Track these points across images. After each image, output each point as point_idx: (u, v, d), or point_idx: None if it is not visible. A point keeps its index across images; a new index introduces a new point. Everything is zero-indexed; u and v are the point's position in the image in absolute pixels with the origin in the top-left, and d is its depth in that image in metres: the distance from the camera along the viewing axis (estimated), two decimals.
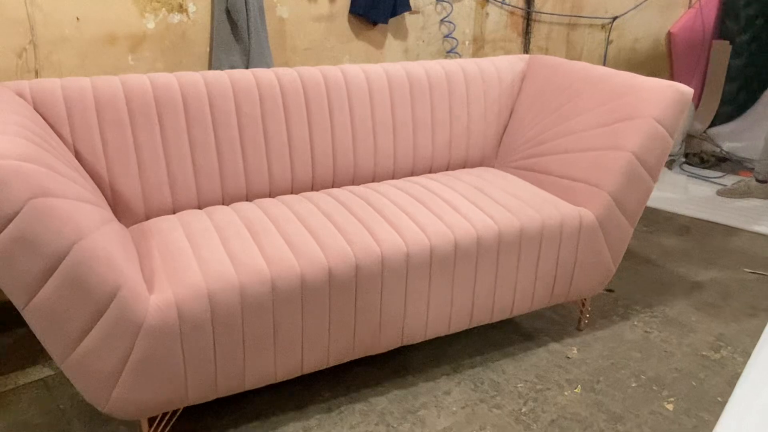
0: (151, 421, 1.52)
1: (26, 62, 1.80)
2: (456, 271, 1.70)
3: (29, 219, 1.22)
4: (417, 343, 1.98)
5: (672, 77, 3.95)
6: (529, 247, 1.79)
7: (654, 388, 1.81)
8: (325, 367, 1.64)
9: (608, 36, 3.71)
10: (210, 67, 2.15)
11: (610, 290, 2.35)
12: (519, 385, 1.82)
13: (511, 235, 1.74)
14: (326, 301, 1.55)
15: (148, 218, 1.78)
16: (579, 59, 3.57)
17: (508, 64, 2.30)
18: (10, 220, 1.20)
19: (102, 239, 1.33)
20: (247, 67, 2.14)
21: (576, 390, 1.81)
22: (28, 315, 1.28)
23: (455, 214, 1.76)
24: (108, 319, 1.31)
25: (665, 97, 1.83)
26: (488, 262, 1.74)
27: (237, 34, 2.11)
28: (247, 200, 1.90)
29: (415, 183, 1.98)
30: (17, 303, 1.28)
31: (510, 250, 1.75)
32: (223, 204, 1.88)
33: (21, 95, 1.63)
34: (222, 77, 1.85)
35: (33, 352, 1.88)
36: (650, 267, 2.54)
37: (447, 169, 2.23)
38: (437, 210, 1.77)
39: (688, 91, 1.84)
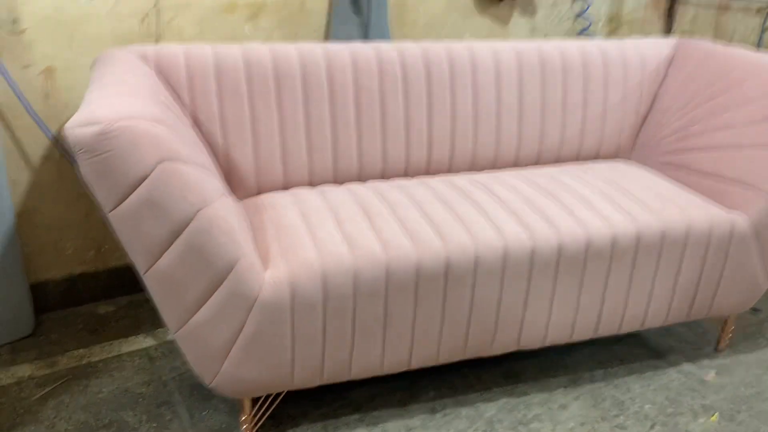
0: (253, 402, 1.61)
1: (148, 27, 1.94)
2: (586, 273, 1.69)
3: (158, 182, 1.32)
4: (531, 350, 1.98)
5: None
6: (671, 252, 1.74)
7: None
8: (433, 364, 1.67)
9: (764, 22, 3.51)
10: (326, 39, 2.23)
11: (756, 309, 2.25)
12: (646, 407, 1.78)
13: (652, 237, 1.71)
14: (441, 294, 1.58)
15: (259, 192, 1.87)
16: None
17: (654, 48, 2.24)
18: (140, 182, 1.31)
19: (223, 209, 1.42)
20: (365, 40, 2.20)
21: (712, 418, 1.75)
22: (149, 280, 1.40)
23: (588, 209, 1.74)
24: (224, 290, 1.41)
25: None
26: (623, 265, 1.71)
27: (356, 6, 2.18)
28: (359, 180, 1.97)
29: (542, 173, 1.97)
30: (140, 266, 1.39)
31: (649, 254, 1.72)
32: (334, 183, 1.95)
33: (144, 60, 1.76)
34: (342, 50, 1.91)
35: (135, 321, 2.03)
36: None
37: (576, 161, 2.20)
38: (567, 203, 1.76)
39: None
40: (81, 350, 1.89)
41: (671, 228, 1.72)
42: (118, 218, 1.33)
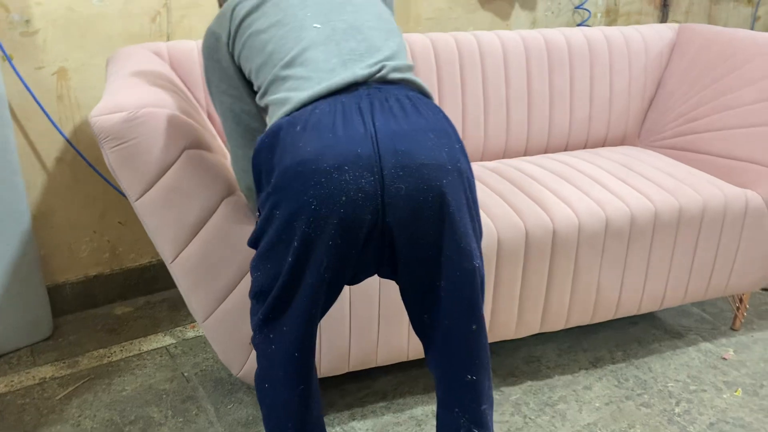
0: None
1: (159, 26, 1.96)
2: (605, 254, 1.71)
3: (184, 169, 1.34)
4: (549, 334, 2.00)
5: None
6: (688, 231, 1.76)
7: None
8: None
9: (755, 11, 3.58)
10: None
11: (766, 289, 2.28)
12: (669, 385, 1.80)
13: (669, 215, 1.73)
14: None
15: None
16: None
17: (656, 33, 2.28)
18: (167, 169, 1.32)
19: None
20: None
21: (736, 393, 1.77)
22: (176, 268, 1.41)
23: (604, 190, 1.77)
24: None
25: None
26: (641, 245, 1.73)
27: None
28: None
29: (554, 159, 2.00)
30: (166, 256, 1.40)
31: (666, 233, 1.74)
32: None
33: (159, 56, 1.78)
34: None
35: (154, 321, 2.03)
36: None
37: (585, 147, 2.23)
38: (583, 186, 1.78)
39: None
40: (101, 350, 1.89)
41: (687, 206, 1.75)
42: (144, 206, 1.34)
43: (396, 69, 1.13)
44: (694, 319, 2.10)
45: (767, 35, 2.05)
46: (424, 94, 1.16)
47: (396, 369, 1.83)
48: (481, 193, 1.74)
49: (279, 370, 1.16)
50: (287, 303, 1.10)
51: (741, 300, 2.02)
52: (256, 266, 1.14)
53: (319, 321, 1.15)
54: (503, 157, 2.13)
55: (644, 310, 1.84)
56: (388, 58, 1.13)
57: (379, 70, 1.10)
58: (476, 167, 1.94)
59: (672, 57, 2.28)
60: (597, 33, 2.19)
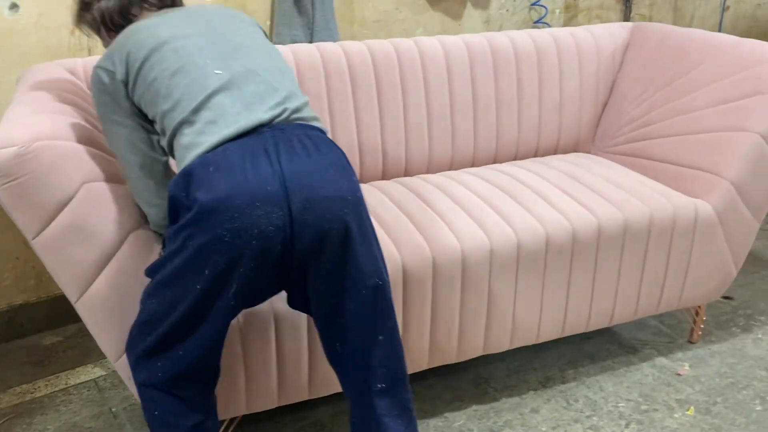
0: None
1: (79, 39, 1.87)
2: (547, 272, 1.65)
3: (83, 205, 1.26)
4: (499, 353, 1.93)
5: None
6: (635, 244, 1.71)
7: None
8: None
9: (724, 1, 3.52)
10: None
11: (728, 297, 2.23)
12: (620, 405, 1.74)
13: (614, 230, 1.67)
14: (398, 300, 1.53)
15: None
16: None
17: (608, 33, 2.21)
18: (63, 206, 1.24)
19: None
20: (310, 42, 2.14)
21: (688, 412, 1.71)
22: (81, 308, 1.32)
23: (546, 205, 1.70)
24: None
25: None
26: (585, 261, 1.67)
27: (300, 6, 2.12)
28: None
29: (499, 171, 1.93)
30: (70, 295, 1.32)
31: (611, 247, 1.68)
32: None
33: (73, 73, 1.69)
34: (284, 52, 1.85)
35: (84, 351, 1.95)
36: None
37: (535, 156, 2.16)
38: (525, 201, 1.72)
39: None
40: (24, 385, 1.81)
41: (633, 219, 1.69)
42: (41, 245, 1.26)
43: (296, 110, 1.23)
44: (652, 332, 2.05)
45: (720, 36, 1.99)
46: (321, 130, 1.26)
47: (335, 397, 1.75)
48: (421, 211, 1.67)
49: (170, 399, 1.20)
50: (188, 329, 1.17)
51: (697, 312, 1.96)
52: (151, 294, 1.20)
53: (221, 346, 1.22)
54: (450, 169, 2.05)
55: (593, 328, 1.79)
56: (286, 98, 1.23)
57: (281, 113, 1.20)
58: (418, 181, 1.86)
59: (625, 58, 2.21)
60: (545, 35, 2.12)
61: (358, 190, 1.20)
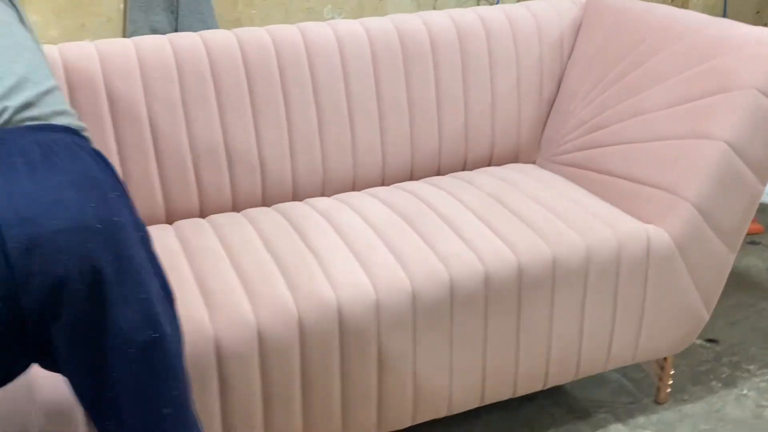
0: None
1: None
2: (455, 326, 1.55)
3: None
4: (417, 425, 1.83)
5: None
6: (568, 287, 1.61)
7: None
8: None
9: None
10: (125, 32, 2.06)
11: (711, 341, 2.13)
12: None
13: (539, 270, 1.58)
14: (297, 360, 1.46)
15: None
16: (686, 6, 3.32)
17: (555, 12, 2.11)
18: None
19: None
20: (175, 30, 2.04)
21: None
22: None
23: (457, 239, 1.61)
24: None
25: None
26: (504, 310, 1.58)
27: None
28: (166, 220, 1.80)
29: (409, 192, 1.83)
30: None
31: (536, 293, 1.59)
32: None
33: None
34: (127, 47, 1.74)
35: None
36: None
37: (464, 169, 2.06)
38: (430, 234, 1.62)
39: None
40: None
41: (565, 255, 1.60)
42: None
43: (25, 105, 1.08)
44: (611, 390, 1.96)
45: (689, 15, 1.91)
46: (69, 129, 1.11)
47: None
48: (293, 250, 1.56)
49: None
50: None
51: (662, 367, 1.86)
52: None
53: None
54: (352, 190, 1.95)
55: (521, 393, 1.69)
56: (10, 91, 1.08)
57: None
58: (302, 208, 1.75)
59: (576, 43, 2.11)
60: (470, 15, 2.03)
61: (121, 211, 1.06)
